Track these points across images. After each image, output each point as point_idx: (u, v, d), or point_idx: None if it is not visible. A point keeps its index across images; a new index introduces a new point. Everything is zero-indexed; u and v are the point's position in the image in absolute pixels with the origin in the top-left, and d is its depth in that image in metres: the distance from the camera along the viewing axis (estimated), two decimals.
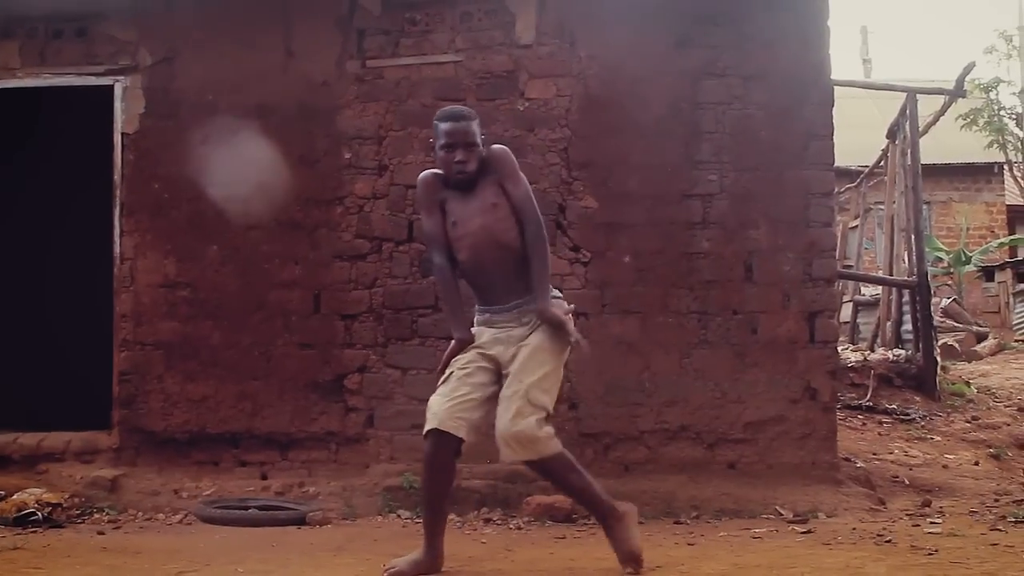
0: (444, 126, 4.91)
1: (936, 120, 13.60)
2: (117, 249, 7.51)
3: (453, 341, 4.90)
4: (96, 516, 6.88)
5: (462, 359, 4.85)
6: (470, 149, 4.89)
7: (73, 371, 8.72)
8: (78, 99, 7.76)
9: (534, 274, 4.88)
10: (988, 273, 24.74)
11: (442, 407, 4.72)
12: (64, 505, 6.89)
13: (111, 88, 7.57)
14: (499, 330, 4.86)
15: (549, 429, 4.71)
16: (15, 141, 9.33)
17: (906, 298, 12.76)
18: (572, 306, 5.06)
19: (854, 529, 6.03)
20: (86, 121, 8.03)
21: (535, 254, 4.91)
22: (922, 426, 9.62)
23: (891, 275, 13.65)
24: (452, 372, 4.85)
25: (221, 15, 7.61)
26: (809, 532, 6.03)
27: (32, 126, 9.27)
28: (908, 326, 12.53)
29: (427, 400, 7.02)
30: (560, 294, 5.02)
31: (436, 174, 5.00)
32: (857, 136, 16.79)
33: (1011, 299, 22.95)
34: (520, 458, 4.71)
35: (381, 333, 7.31)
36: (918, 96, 12.12)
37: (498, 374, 4.82)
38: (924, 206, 12.63)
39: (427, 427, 4.74)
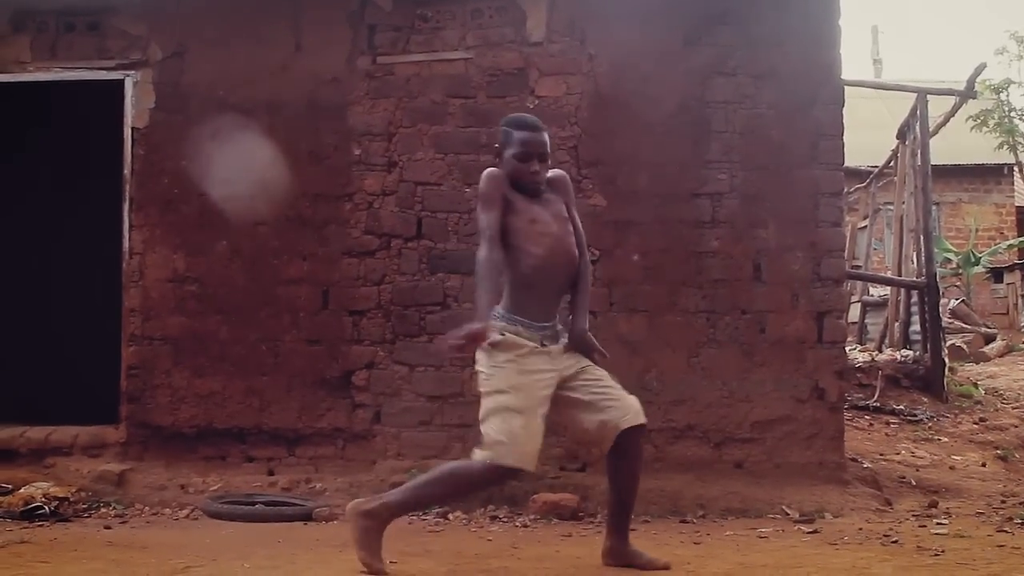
0: (521, 135, 4.91)
1: (946, 121, 13.58)
2: (126, 244, 7.51)
3: (481, 324, 4.58)
4: (103, 510, 6.89)
5: (541, 390, 4.74)
6: (545, 161, 4.93)
7: (81, 366, 8.75)
8: (88, 93, 7.76)
9: (581, 297, 5.02)
10: (997, 274, 24.68)
11: (532, 448, 4.66)
12: (71, 499, 6.90)
13: (121, 83, 7.58)
14: (548, 350, 4.82)
15: None
16: (25, 135, 9.34)
17: (914, 299, 12.75)
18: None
19: (860, 529, 6.03)
20: (96, 116, 8.03)
21: (583, 279, 5.03)
22: (929, 427, 9.60)
23: (900, 276, 13.63)
24: (534, 407, 4.70)
25: (231, 10, 7.62)
26: (815, 532, 6.03)
27: (42, 121, 9.28)
28: (916, 327, 12.50)
29: (434, 396, 7.07)
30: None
31: (501, 172, 4.95)
32: (867, 136, 16.78)
33: (1020, 301, 22.90)
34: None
35: (389, 330, 7.31)
36: (928, 97, 12.09)
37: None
38: (933, 207, 12.58)
39: (509, 462, 4.61)
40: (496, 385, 4.71)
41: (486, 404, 4.72)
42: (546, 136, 4.97)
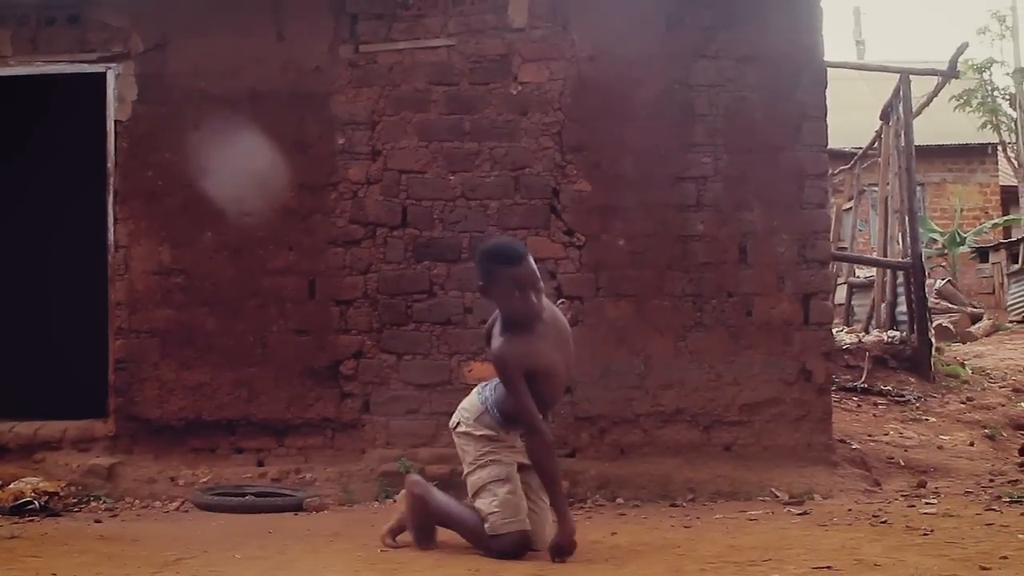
0: (511, 271, 4.83)
1: (929, 101, 13.61)
2: (111, 237, 7.48)
3: (571, 528, 4.82)
4: (93, 504, 6.88)
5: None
6: (539, 288, 4.91)
7: (69, 360, 8.73)
8: (71, 87, 7.73)
9: None
10: (982, 254, 24.78)
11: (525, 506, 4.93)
12: (61, 494, 6.89)
13: (103, 75, 7.54)
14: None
15: None
16: (7, 131, 9.31)
17: (900, 279, 12.77)
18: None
19: (850, 510, 6.05)
20: (79, 109, 8.00)
21: None
22: (917, 407, 9.63)
23: (885, 256, 13.67)
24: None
25: (213, 1, 7.59)
26: (805, 514, 6.05)
27: (25, 115, 9.25)
28: (903, 307, 12.53)
29: (422, 384, 7.07)
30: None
31: (520, 349, 4.87)
32: (850, 118, 16.78)
33: (1005, 280, 23.00)
34: None
35: (376, 319, 7.31)
36: (911, 77, 12.09)
37: None
38: (918, 187, 12.59)
39: (508, 530, 4.86)
40: (477, 460, 5.00)
41: (471, 481, 5.01)
42: (532, 262, 4.90)
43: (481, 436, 5.02)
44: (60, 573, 4.59)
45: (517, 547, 4.82)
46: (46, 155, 9.77)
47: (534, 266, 4.87)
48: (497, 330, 4.97)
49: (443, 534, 5.10)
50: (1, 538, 5.61)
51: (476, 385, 5.25)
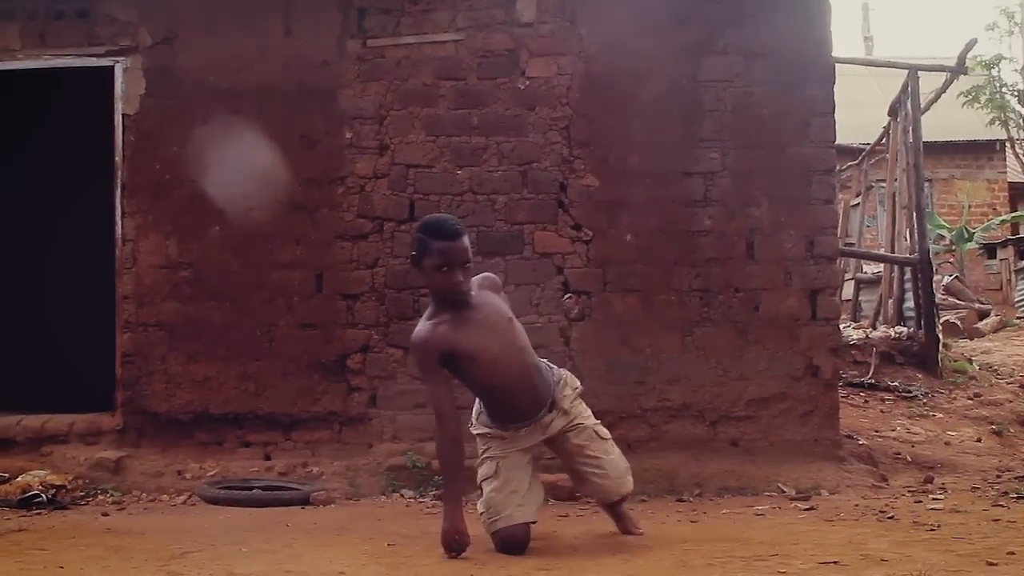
0: (439, 244, 4.72)
1: (938, 97, 13.58)
2: (119, 230, 7.49)
3: (450, 524, 4.72)
4: (100, 498, 6.89)
5: (516, 450, 5.00)
6: (467, 267, 4.79)
7: (76, 353, 8.74)
8: (79, 81, 7.74)
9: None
10: (990, 250, 24.74)
11: (512, 503, 4.89)
12: (68, 487, 6.90)
13: (112, 69, 7.55)
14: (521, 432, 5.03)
15: None
16: (16, 124, 9.32)
17: (908, 275, 12.75)
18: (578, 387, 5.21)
19: (856, 506, 6.05)
20: (87, 103, 8.01)
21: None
22: (924, 403, 9.62)
23: (893, 252, 13.65)
24: (507, 465, 4.96)
25: None
26: (812, 509, 6.05)
27: (32, 109, 9.27)
28: (910, 303, 12.53)
29: None
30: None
31: (432, 331, 4.85)
32: (858, 114, 16.79)
33: (1013, 276, 22.95)
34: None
35: (383, 313, 7.31)
36: (919, 73, 12.07)
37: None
38: (926, 183, 12.59)
39: (495, 528, 4.87)
40: (477, 459, 5.07)
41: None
42: (467, 240, 4.78)
43: (479, 434, 5.05)
44: (67, 566, 4.60)
45: (507, 545, 4.80)
46: (53, 149, 9.79)
47: (466, 245, 4.75)
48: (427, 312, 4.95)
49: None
50: (9, 531, 5.62)
51: None
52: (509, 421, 4.98)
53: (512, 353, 4.88)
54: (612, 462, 5.05)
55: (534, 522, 4.90)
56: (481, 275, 5.03)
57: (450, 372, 4.88)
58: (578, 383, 5.19)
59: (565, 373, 5.17)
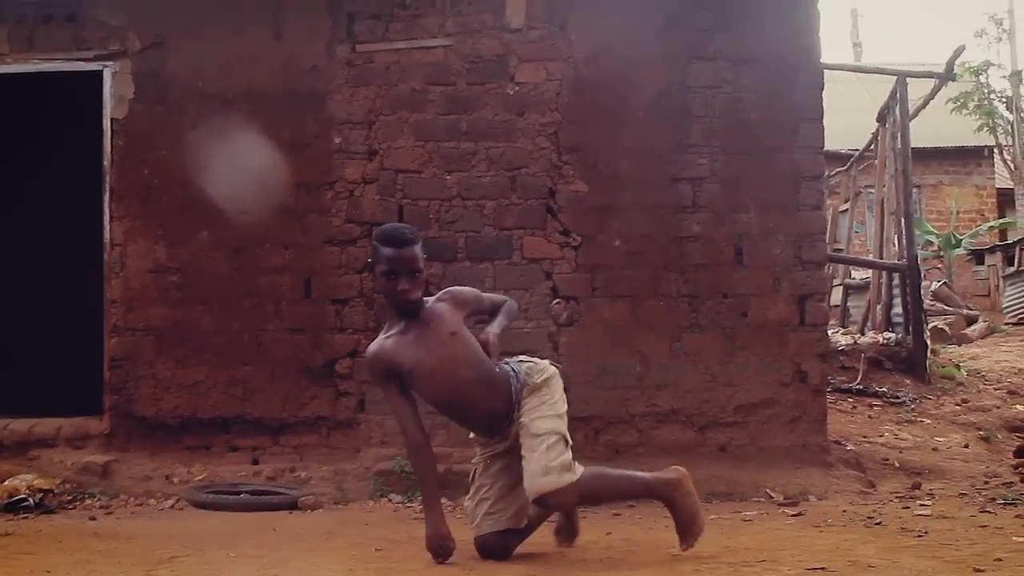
0: (387, 252, 4.71)
1: (926, 104, 13.62)
2: (107, 235, 7.48)
3: (432, 530, 4.73)
4: (88, 502, 6.87)
5: (482, 466, 4.98)
6: (414, 276, 4.75)
7: (64, 357, 8.73)
8: (68, 85, 7.73)
9: (500, 317, 5.08)
10: (978, 256, 24.84)
11: (484, 514, 4.87)
12: (55, 491, 6.88)
13: (100, 74, 7.54)
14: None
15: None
16: (3, 129, 9.31)
17: (896, 281, 12.78)
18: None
19: (844, 511, 6.06)
20: (76, 108, 7.99)
21: (500, 313, 5.11)
22: (912, 409, 9.65)
23: (881, 258, 13.67)
24: (479, 484, 4.96)
25: None
26: (799, 515, 6.06)
27: (21, 113, 9.26)
28: (898, 309, 12.55)
29: None
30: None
31: (379, 346, 4.87)
32: (847, 120, 16.85)
33: (1001, 282, 23.02)
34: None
35: (372, 318, 7.30)
36: (908, 79, 12.12)
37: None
38: (914, 189, 12.63)
39: (476, 535, 4.87)
40: None
41: None
42: (417, 249, 4.75)
43: (473, 439, 5.04)
44: (54, 570, 4.59)
45: (482, 552, 4.81)
46: (43, 153, 9.78)
47: (415, 254, 4.72)
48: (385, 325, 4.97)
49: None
50: None
51: None
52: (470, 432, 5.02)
53: (451, 368, 4.76)
54: (533, 460, 4.64)
55: (508, 530, 4.84)
56: (445, 289, 5.03)
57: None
58: (547, 372, 4.90)
59: (535, 368, 4.91)
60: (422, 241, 4.83)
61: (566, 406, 4.91)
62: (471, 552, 4.82)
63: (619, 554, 4.89)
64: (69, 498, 6.89)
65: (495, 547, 4.79)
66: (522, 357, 5.02)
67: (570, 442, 4.77)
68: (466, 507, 4.95)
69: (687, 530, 4.72)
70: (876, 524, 5.56)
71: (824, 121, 7.41)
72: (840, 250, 17.45)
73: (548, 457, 4.62)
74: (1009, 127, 29.14)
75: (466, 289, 5.10)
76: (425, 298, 4.88)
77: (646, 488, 4.98)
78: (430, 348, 4.75)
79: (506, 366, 4.87)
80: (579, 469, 4.67)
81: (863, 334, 13.39)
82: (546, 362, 4.99)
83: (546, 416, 4.76)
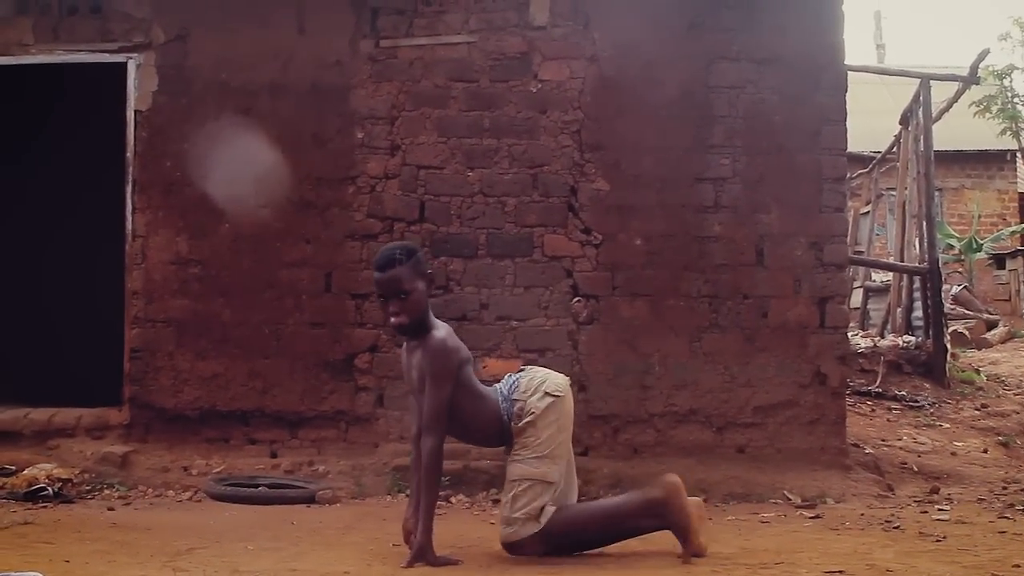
0: (375, 276, 4.74)
1: (949, 107, 13.58)
2: (129, 226, 7.50)
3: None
4: (106, 492, 6.89)
5: None
6: (401, 298, 4.69)
7: (83, 348, 8.75)
8: (91, 76, 7.75)
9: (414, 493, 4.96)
10: (999, 260, 24.69)
11: None
12: (74, 481, 6.90)
13: (124, 65, 7.56)
14: None
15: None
16: (27, 119, 9.34)
17: (917, 285, 12.77)
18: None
19: (862, 515, 6.05)
20: (99, 99, 8.02)
21: (417, 469, 4.93)
22: (931, 413, 9.62)
23: (902, 261, 13.65)
24: None
25: None
26: (817, 517, 6.05)
27: (44, 104, 9.28)
28: (918, 313, 12.53)
29: None
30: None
31: (456, 340, 4.88)
32: (870, 122, 16.78)
33: (1022, 287, 22.92)
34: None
35: None
36: (931, 82, 12.09)
37: None
38: (936, 193, 12.60)
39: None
40: None
41: None
42: (402, 271, 4.67)
43: None
44: (73, 560, 4.61)
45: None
46: (65, 144, 9.80)
47: (398, 276, 4.66)
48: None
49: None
50: (15, 524, 5.63)
51: (491, 381, 5.20)
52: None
53: (416, 393, 4.90)
54: (502, 507, 4.77)
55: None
56: (440, 340, 4.81)
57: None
58: (539, 406, 4.77)
59: (527, 404, 4.79)
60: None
61: (567, 431, 4.86)
62: (483, 550, 4.83)
63: (635, 554, 4.88)
64: (88, 488, 6.90)
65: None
66: (529, 375, 4.93)
67: (552, 481, 4.72)
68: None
69: (684, 542, 4.68)
70: (894, 528, 5.54)
71: (847, 123, 7.41)
72: (861, 252, 17.43)
73: (513, 507, 4.70)
74: None
75: (436, 364, 4.76)
76: (435, 322, 4.87)
77: (632, 515, 4.84)
78: (407, 379, 4.95)
79: (498, 397, 4.86)
80: (549, 512, 4.67)
81: (883, 337, 13.37)
82: (548, 381, 4.89)
83: (524, 460, 4.76)
